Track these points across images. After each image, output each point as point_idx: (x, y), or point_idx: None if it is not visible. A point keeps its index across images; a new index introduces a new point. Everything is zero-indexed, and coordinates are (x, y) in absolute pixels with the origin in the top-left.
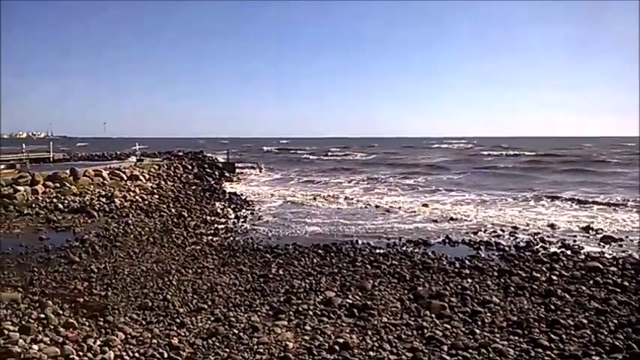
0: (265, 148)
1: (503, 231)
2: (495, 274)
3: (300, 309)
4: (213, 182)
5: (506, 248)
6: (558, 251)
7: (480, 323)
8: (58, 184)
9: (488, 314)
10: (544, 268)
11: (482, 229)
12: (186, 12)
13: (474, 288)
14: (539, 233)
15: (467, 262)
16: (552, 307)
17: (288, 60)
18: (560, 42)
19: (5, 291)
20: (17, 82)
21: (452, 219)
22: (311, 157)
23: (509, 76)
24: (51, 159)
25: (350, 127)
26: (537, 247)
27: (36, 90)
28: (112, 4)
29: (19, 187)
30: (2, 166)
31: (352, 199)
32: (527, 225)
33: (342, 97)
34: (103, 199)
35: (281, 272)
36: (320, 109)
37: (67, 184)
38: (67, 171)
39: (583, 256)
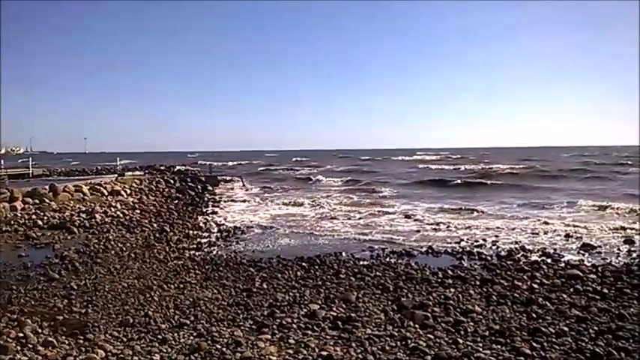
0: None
1: (485, 240)
2: (478, 283)
3: (284, 322)
4: (195, 196)
5: (488, 258)
6: (539, 260)
7: (462, 333)
8: (37, 200)
9: (471, 323)
10: (525, 277)
11: (465, 239)
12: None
13: (456, 298)
14: (519, 242)
15: (449, 272)
16: (534, 315)
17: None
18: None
19: None
20: None
21: (435, 229)
22: (281, 170)
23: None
24: (30, 174)
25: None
26: (518, 255)
27: (15, 104)
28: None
29: None
30: None
31: (332, 211)
32: (508, 234)
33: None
34: (84, 215)
35: (264, 286)
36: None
37: (47, 200)
38: (47, 187)
39: (563, 264)
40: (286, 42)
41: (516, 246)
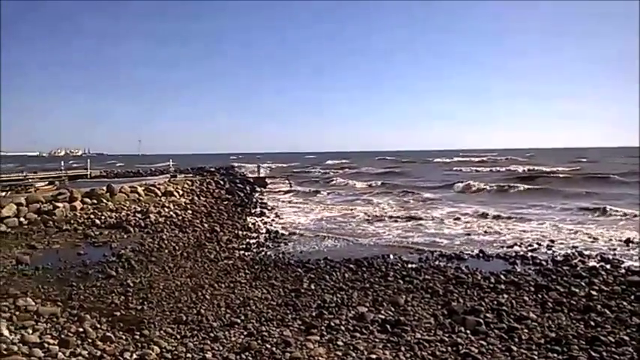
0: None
1: (539, 245)
2: (532, 289)
3: (332, 324)
4: (244, 197)
5: (543, 262)
6: (597, 265)
7: (516, 340)
8: (95, 201)
9: (526, 330)
10: (583, 283)
11: (518, 243)
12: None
13: (510, 304)
14: (576, 247)
15: (502, 276)
16: (592, 323)
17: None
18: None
19: (45, 305)
20: (55, 101)
21: (485, 232)
22: (316, 172)
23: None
24: (88, 176)
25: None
26: (575, 261)
27: (74, 109)
28: (145, 25)
29: (58, 204)
30: (42, 184)
31: (376, 213)
32: (563, 239)
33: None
34: (139, 215)
35: (312, 287)
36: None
37: (104, 201)
38: (104, 187)
39: (623, 271)
40: (337, 44)
41: (573, 251)
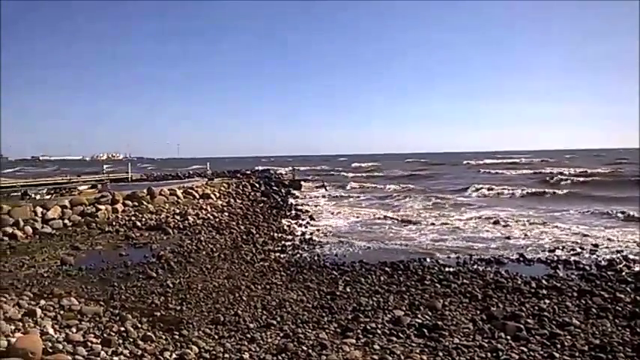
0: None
1: (582, 249)
2: (575, 294)
3: (369, 327)
4: (279, 199)
5: (587, 267)
6: None
7: (559, 346)
8: (136, 203)
9: (568, 337)
10: (628, 289)
11: (560, 247)
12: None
13: (552, 309)
14: (621, 251)
15: (544, 281)
16: (638, 330)
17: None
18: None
19: (89, 305)
20: (99, 107)
21: (525, 235)
22: (358, 175)
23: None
24: (129, 179)
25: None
26: (620, 266)
27: (115, 114)
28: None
29: (100, 206)
30: (86, 187)
31: (410, 216)
32: (605, 243)
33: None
34: (178, 217)
35: (348, 290)
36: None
37: (145, 203)
38: (145, 190)
39: None
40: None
41: (618, 255)
